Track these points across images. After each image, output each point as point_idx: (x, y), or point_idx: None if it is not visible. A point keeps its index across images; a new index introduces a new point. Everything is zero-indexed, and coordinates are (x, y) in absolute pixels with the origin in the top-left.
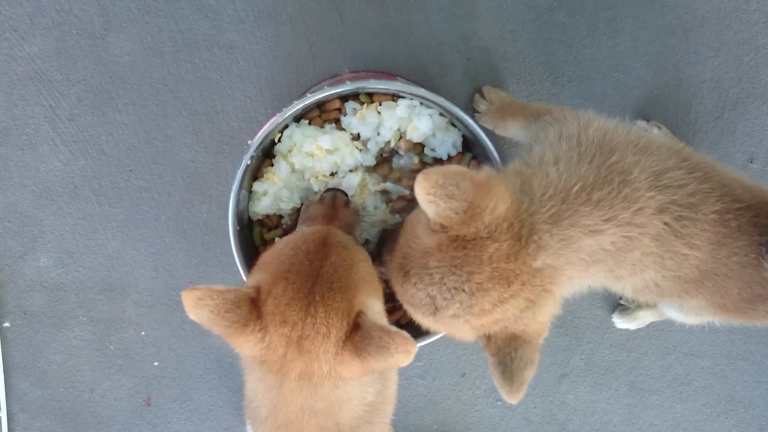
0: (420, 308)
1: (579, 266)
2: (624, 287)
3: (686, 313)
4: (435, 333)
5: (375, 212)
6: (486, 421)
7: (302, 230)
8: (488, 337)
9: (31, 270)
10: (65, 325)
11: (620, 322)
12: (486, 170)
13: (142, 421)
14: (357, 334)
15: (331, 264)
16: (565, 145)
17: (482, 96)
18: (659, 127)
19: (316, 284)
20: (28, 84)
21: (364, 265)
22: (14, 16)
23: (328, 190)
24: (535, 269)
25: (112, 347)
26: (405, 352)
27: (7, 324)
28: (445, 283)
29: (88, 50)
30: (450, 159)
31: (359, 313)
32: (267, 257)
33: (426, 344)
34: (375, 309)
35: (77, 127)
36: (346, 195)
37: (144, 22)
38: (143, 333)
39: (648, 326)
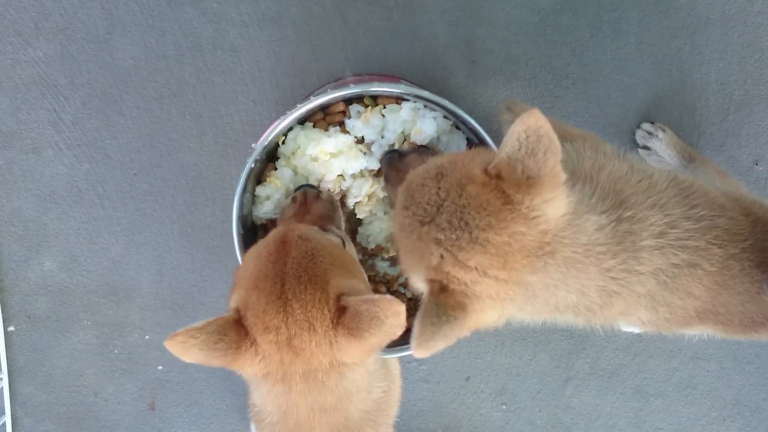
0: (419, 207)
1: (548, 310)
2: (617, 325)
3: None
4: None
5: (385, 217)
6: (490, 424)
7: (270, 234)
8: (443, 288)
9: (35, 274)
10: (69, 329)
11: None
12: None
13: (146, 425)
14: (346, 316)
15: (293, 259)
16: (583, 189)
17: (507, 109)
18: (664, 130)
19: (285, 284)
20: (33, 88)
21: (332, 250)
22: (19, 21)
23: (298, 188)
24: (525, 281)
25: (116, 351)
26: (394, 314)
27: (11, 328)
28: (461, 213)
29: (93, 54)
30: None
31: (340, 296)
32: (239, 272)
33: None
34: (356, 288)
35: (81, 130)
36: (315, 188)
37: (148, 26)
38: (147, 337)
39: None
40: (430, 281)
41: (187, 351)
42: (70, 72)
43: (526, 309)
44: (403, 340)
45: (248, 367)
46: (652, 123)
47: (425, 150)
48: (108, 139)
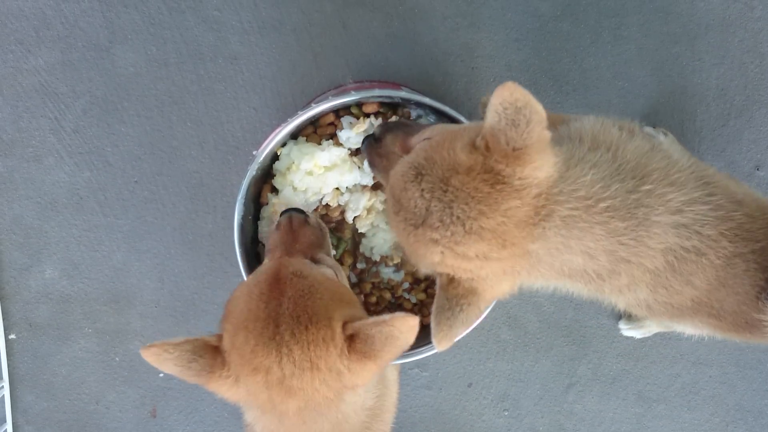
0: (408, 212)
1: (555, 274)
2: (616, 301)
3: (684, 327)
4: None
5: (388, 228)
6: (493, 431)
7: (260, 269)
8: (451, 279)
9: (36, 282)
10: (71, 336)
11: (626, 329)
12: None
13: None
14: (357, 342)
15: (290, 299)
16: (603, 155)
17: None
18: (666, 134)
19: (279, 324)
20: (34, 96)
21: (329, 286)
22: (20, 29)
23: (283, 212)
24: (527, 250)
25: (117, 359)
26: (409, 330)
27: (12, 336)
28: (452, 208)
29: (94, 62)
30: None
31: (345, 326)
32: (229, 306)
33: (432, 354)
34: (356, 317)
35: (82, 138)
36: (303, 213)
37: (149, 34)
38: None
39: (655, 335)
40: (438, 274)
41: (161, 363)
42: (71, 80)
43: (534, 275)
44: None
45: (223, 393)
46: (654, 127)
47: (398, 126)
48: (109, 146)
